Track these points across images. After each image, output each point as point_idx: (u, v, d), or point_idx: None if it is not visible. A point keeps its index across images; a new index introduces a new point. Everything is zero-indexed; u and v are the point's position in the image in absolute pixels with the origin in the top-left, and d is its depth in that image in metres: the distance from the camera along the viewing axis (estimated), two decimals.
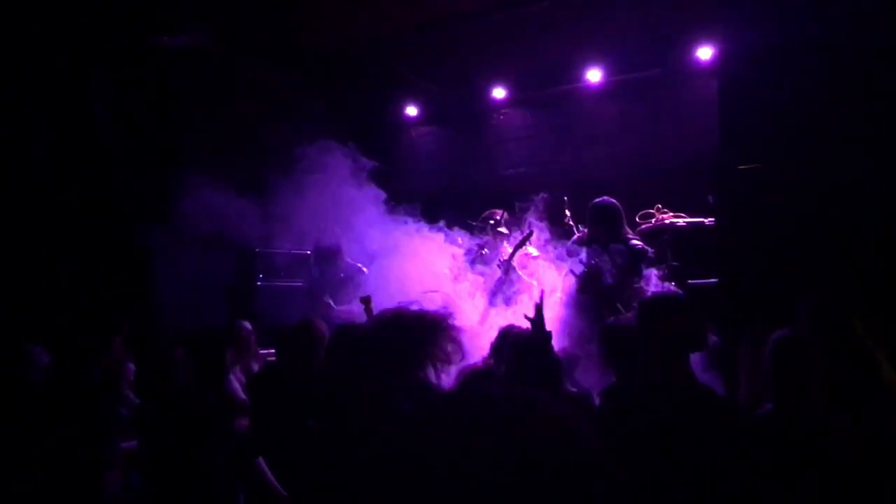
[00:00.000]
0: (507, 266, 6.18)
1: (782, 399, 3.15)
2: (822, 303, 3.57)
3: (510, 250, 6.34)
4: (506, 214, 6.70)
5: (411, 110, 9.61)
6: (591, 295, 5.15)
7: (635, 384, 3.41)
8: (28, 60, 6.67)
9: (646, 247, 5.98)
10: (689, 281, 6.22)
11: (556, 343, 4.11)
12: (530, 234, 6.29)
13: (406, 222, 6.30)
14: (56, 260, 6.66)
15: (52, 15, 6.66)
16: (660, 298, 3.68)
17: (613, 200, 6.11)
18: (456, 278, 6.26)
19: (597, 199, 6.15)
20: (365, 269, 6.28)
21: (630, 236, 6.08)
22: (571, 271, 5.76)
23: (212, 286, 6.99)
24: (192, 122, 7.24)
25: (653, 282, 5.61)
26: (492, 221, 6.69)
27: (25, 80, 6.65)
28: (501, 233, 6.63)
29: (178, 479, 3.66)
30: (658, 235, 6.58)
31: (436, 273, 6.15)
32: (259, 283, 7.23)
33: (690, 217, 6.75)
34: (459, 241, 6.59)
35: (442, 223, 6.56)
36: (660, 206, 6.94)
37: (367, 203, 6.27)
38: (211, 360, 4.06)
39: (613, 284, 5.43)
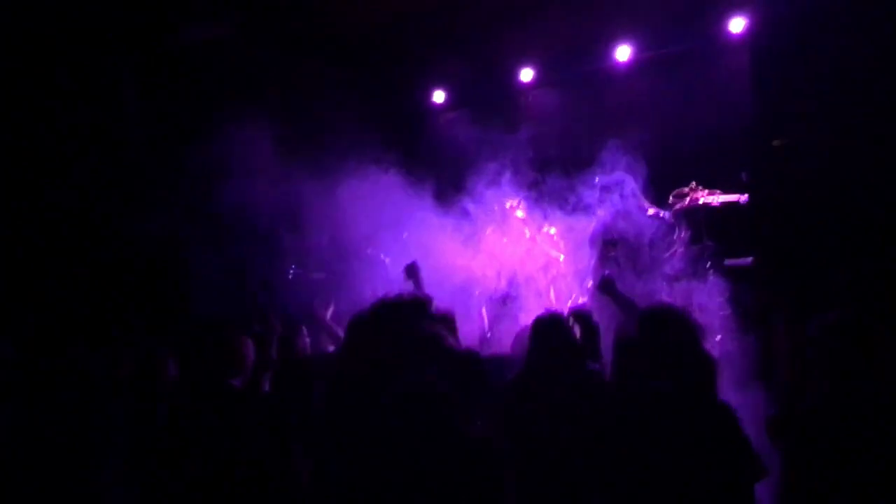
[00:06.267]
0: None
1: (840, 388, 3.01)
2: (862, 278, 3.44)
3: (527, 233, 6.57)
4: (522, 201, 6.74)
5: (438, 96, 9.50)
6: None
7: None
8: (57, 60, 6.76)
9: (660, 211, 6.00)
10: (726, 261, 6.10)
11: None
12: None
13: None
14: (87, 254, 6.78)
15: (78, 16, 6.73)
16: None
17: (623, 175, 6.25)
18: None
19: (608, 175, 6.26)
20: (387, 260, 6.28)
21: (646, 206, 6.10)
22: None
23: (242, 277, 7.01)
24: (218, 112, 7.26)
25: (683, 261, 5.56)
26: (508, 206, 6.73)
27: (55, 78, 6.75)
28: (519, 217, 6.73)
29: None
30: (693, 214, 6.45)
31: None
32: (290, 275, 7.23)
33: (725, 194, 6.58)
34: None
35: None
36: (694, 183, 6.78)
37: (391, 191, 6.28)
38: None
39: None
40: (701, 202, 6.53)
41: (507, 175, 7.05)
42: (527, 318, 4.61)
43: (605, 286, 4.73)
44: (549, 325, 3.96)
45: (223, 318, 4.62)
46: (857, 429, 2.91)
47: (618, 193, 6.24)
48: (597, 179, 6.74)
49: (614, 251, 5.86)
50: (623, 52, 8.23)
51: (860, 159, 4.46)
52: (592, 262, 6.25)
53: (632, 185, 6.26)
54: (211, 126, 7.07)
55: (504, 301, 6.29)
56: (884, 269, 3.83)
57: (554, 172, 6.99)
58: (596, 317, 4.64)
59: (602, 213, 6.40)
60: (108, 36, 6.97)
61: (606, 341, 4.10)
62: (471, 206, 6.81)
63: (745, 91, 6.66)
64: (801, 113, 4.76)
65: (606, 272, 5.04)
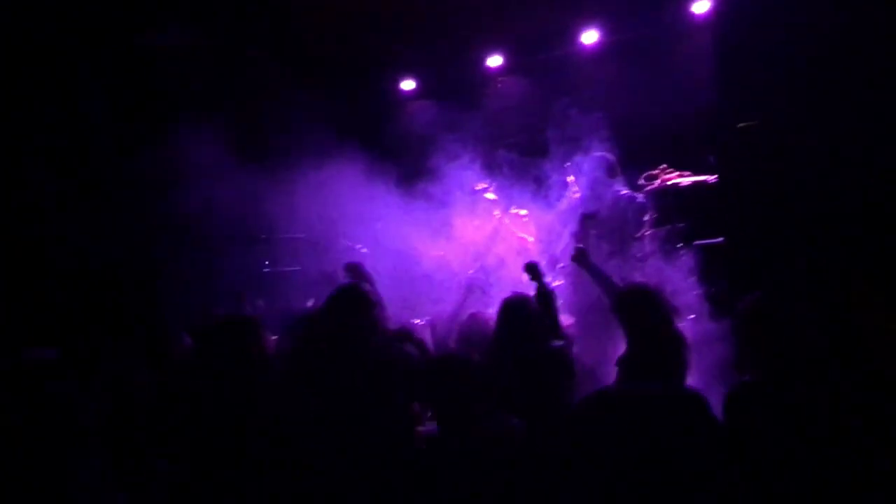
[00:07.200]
0: None
1: (760, 370, 3.01)
2: (810, 265, 3.47)
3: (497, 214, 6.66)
4: (492, 184, 6.79)
5: (407, 85, 9.49)
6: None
7: None
8: (21, 60, 6.65)
9: (635, 194, 6.07)
10: (696, 241, 6.17)
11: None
12: None
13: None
14: (61, 260, 6.68)
15: (41, 16, 6.62)
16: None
17: (602, 154, 6.30)
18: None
19: (585, 156, 6.31)
20: (364, 250, 6.28)
21: (619, 188, 6.18)
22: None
23: (219, 275, 6.96)
24: (186, 110, 7.17)
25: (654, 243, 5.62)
26: (479, 188, 6.79)
27: (20, 82, 6.63)
28: (490, 199, 6.83)
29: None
30: (664, 196, 6.51)
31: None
32: (265, 270, 7.21)
33: (695, 176, 6.64)
34: None
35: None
36: (664, 165, 6.83)
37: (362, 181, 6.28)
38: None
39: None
40: (671, 184, 6.59)
41: (477, 159, 7.08)
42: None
43: (578, 257, 4.81)
44: (516, 306, 4.00)
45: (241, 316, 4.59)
46: (775, 409, 2.88)
47: (590, 175, 6.29)
48: (569, 163, 6.78)
49: (591, 226, 5.90)
50: (590, 37, 8.26)
51: (827, 138, 4.52)
52: (564, 243, 6.30)
53: (603, 166, 6.32)
54: (173, 127, 7.00)
55: (473, 289, 6.29)
56: (849, 248, 3.90)
57: (523, 156, 7.03)
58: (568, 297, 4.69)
59: (574, 194, 6.45)
60: (72, 37, 6.86)
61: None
62: (441, 192, 6.83)
63: (712, 73, 6.73)
64: (765, 93, 4.80)
65: (580, 245, 5.11)
